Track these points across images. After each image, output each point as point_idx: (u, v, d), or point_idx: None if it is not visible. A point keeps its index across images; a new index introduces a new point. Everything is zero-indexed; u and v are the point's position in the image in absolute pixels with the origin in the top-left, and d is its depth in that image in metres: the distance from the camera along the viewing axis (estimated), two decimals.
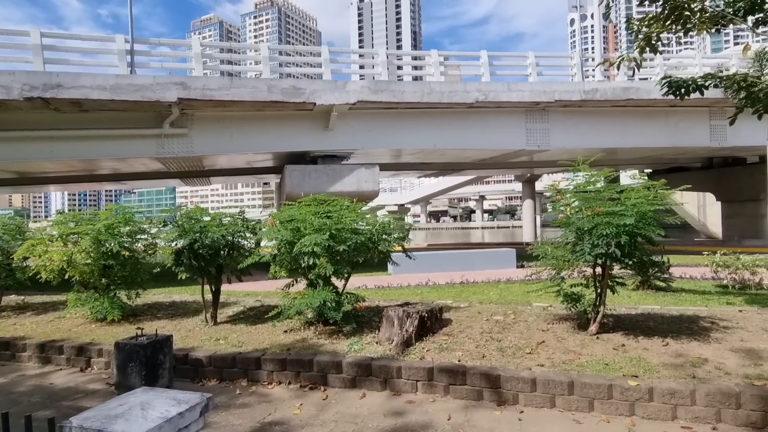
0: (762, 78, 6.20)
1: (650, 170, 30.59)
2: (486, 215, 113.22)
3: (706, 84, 6.40)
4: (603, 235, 4.89)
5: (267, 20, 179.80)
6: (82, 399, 5.03)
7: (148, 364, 5.02)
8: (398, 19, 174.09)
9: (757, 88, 6.11)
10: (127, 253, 7.49)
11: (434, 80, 14.44)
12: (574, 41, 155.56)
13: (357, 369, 5.02)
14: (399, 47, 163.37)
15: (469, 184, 41.70)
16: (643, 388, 4.18)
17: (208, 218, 6.96)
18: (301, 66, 15.35)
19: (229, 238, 6.79)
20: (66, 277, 7.45)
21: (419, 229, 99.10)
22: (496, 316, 6.58)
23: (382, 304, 8.04)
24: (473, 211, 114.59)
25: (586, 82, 15.45)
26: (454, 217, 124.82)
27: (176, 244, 6.81)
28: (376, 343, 5.75)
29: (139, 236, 7.77)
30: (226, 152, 13.69)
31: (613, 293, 5.87)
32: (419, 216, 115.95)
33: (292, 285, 6.65)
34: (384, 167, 19.28)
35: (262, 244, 6.90)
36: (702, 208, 39.52)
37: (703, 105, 17.04)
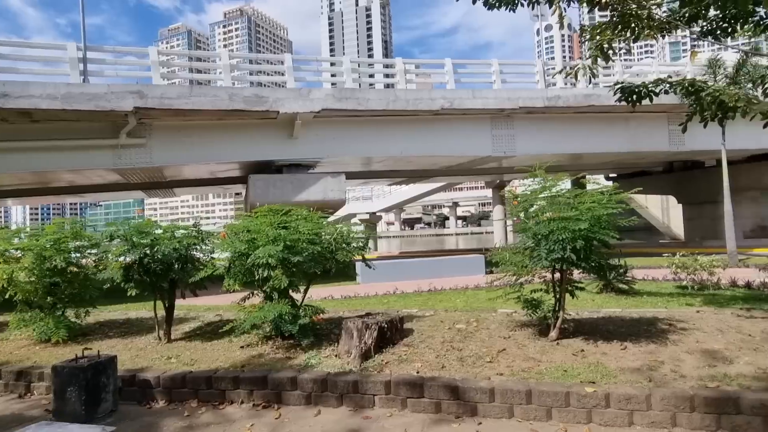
0: (709, 84, 6.34)
1: (614, 175, 31.38)
2: (460, 222, 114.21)
3: (657, 90, 6.52)
4: (559, 240, 4.86)
5: (237, 29, 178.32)
6: (17, 428, 4.67)
7: (89, 388, 4.72)
8: (369, 29, 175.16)
9: (704, 93, 6.25)
10: (74, 269, 7.11)
11: (400, 88, 14.43)
12: (540, 50, 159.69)
13: (313, 385, 4.83)
14: (370, 56, 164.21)
15: (441, 191, 41.94)
16: (600, 394, 4.13)
17: (159, 231, 6.66)
18: (270, 74, 15.09)
19: (183, 251, 6.51)
20: (8, 296, 7.01)
21: (393, 236, 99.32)
22: (459, 325, 6.49)
23: (346, 315, 7.87)
24: (447, 218, 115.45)
25: (549, 89, 15.72)
26: (429, 224, 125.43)
27: (125, 259, 6.49)
28: (335, 356, 5.57)
29: (89, 251, 7.39)
30: (187, 163, 13.32)
31: (573, 298, 5.86)
32: (393, 224, 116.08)
33: (248, 298, 6.42)
34: (352, 175, 19.15)
35: (216, 256, 6.65)
36: (665, 211, 40.78)
37: (661, 110, 17.55)
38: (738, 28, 6.36)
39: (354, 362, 5.17)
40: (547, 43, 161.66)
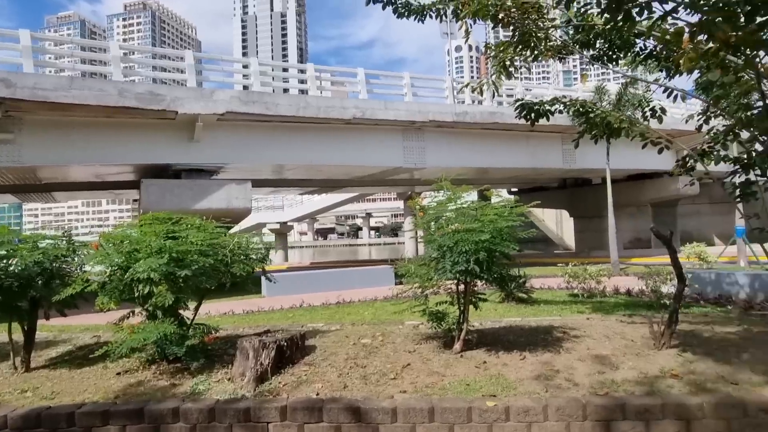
0: (597, 106, 6.80)
1: (516, 189, 33.48)
2: (373, 232, 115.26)
3: (552, 109, 6.86)
4: (463, 252, 4.84)
5: (139, 24, 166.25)
6: None
7: None
8: (284, 35, 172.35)
9: (593, 114, 6.68)
10: None
11: (312, 94, 14.09)
12: (450, 69, 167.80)
13: (198, 415, 4.30)
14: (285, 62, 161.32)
15: (353, 202, 41.93)
16: (500, 408, 4.10)
17: (17, 240, 5.68)
18: (170, 71, 13.93)
19: (47, 264, 5.60)
20: None
21: (306, 246, 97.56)
22: (364, 339, 6.26)
23: (246, 332, 7.32)
24: (360, 229, 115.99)
25: (458, 105, 16.30)
26: (342, 235, 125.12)
27: None
28: (228, 379, 5.06)
29: None
30: (67, 163, 11.83)
31: (476, 309, 5.90)
32: (306, 233, 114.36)
33: (128, 317, 5.67)
34: (260, 183, 18.37)
35: (88, 269, 5.80)
36: (560, 224, 44.33)
37: (556, 131, 19.00)
38: (621, 56, 6.93)
39: (248, 386, 4.71)
40: (457, 63, 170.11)
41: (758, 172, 6.06)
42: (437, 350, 5.68)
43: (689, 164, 6.79)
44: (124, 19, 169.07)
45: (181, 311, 5.49)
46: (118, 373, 5.42)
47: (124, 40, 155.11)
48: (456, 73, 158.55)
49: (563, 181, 28.69)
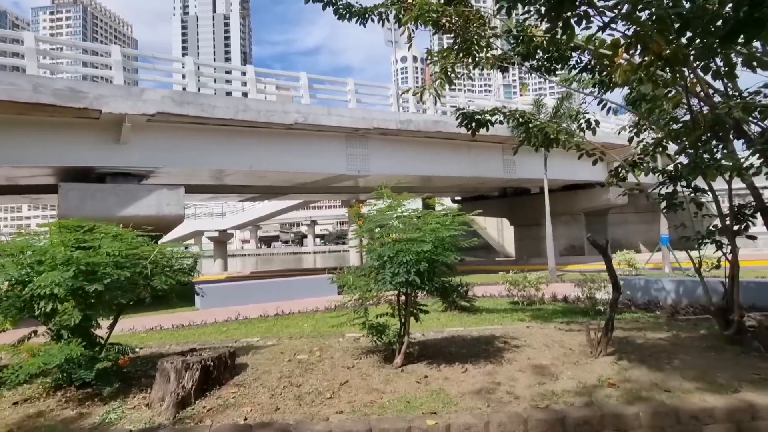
0: (535, 117, 6.89)
1: (459, 198, 34.15)
2: (318, 240, 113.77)
3: (493, 119, 6.88)
4: (403, 262, 4.64)
5: (68, 19, 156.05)
6: None
7: None
8: (227, 38, 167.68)
9: (532, 124, 6.76)
10: None
11: (252, 97, 13.55)
12: (396, 79, 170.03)
13: None
14: None
15: (297, 209, 41.09)
16: (441, 426, 3.91)
17: None
18: (98, 67, 12.90)
19: None
20: None
21: (249, 255, 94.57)
22: (301, 355, 5.91)
23: (173, 350, 6.74)
24: (305, 236, 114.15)
25: (402, 113, 16.30)
26: (286, 242, 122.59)
27: None
28: (146, 405, 4.55)
29: None
30: None
31: (417, 321, 5.72)
32: (249, 241, 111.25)
33: (31, 337, 5.01)
34: (198, 189, 17.49)
35: None
36: (501, 232, 45.69)
37: (497, 141, 19.50)
38: (559, 68, 7.09)
39: (167, 413, 4.24)
40: (402, 73, 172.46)
41: (684, 183, 6.35)
42: (377, 365, 5.44)
43: (621, 174, 7.01)
44: (51, 13, 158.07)
45: (93, 330, 4.91)
46: (15, 403, 4.75)
47: (51, 35, 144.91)
48: (401, 83, 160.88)
49: (504, 190, 29.56)
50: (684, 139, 5.29)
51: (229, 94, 15.05)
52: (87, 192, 11.23)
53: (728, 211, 5.65)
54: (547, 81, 8.56)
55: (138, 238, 5.35)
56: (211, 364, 4.83)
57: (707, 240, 5.86)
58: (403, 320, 5.38)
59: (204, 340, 7.63)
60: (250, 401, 4.52)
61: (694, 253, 6.07)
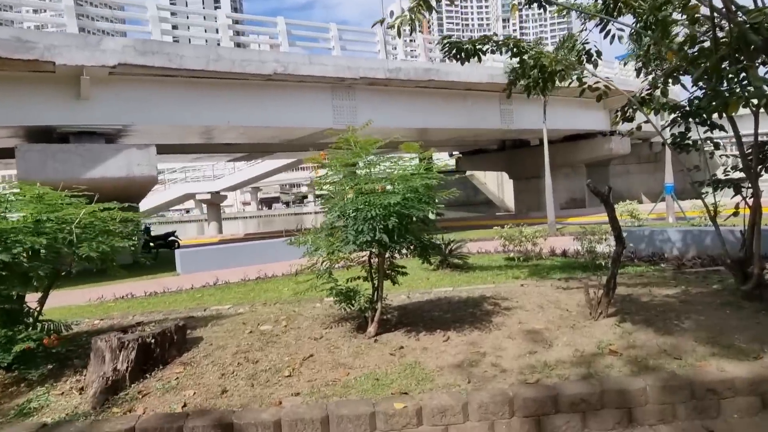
0: (531, 46, 5.98)
1: (457, 152, 33.14)
2: (319, 200, 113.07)
3: (484, 48, 5.98)
4: (369, 218, 3.91)
5: None
6: None
7: None
8: None
9: (527, 56, 5.88)
10: None
11: (225, 46, 12.46)
12: (383, 29, 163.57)
13: None
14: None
15: (292, 169, 40.14)
16: (411, 410, 3.31)
17: None
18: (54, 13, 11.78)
19: None
20: None
21: (250, 217, 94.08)
22: (265, 326, 5.29)
23: (133, 320, 6.16)
24: (305, 197, 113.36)
25: (390, 61, 15.18)
26: (287, 203, 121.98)
27: None
28: (79, 390, 3.96)
29: None
30: None
31: (394, 284, 5.05)
32: (250, 203, 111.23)
33: None
34: (177, 149, 16.62)
35: None
36: (501, 186, 44.81)
37: (494, 90, 18.34)
38: None
39: (93, 400, 3.65)
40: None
41: (698, 120, 5.53)
42: (348, 334, 4.82)
43: (628, 113, 6.18)
44: None
45: (10, 306, 4.25)
46: None
47: None
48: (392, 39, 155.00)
49: (502, 143, 28.50)
50: (703, 63, 4.43)
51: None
52: (47, 153, 10.40)
53: (751, 149, 4.86)
54: (548, 18, 7.56)
55: (69, 199, 4.63)
56: (154, 340, 4.20)
57: (724, 184, 5.11)
58: (376, 284, 4.72)
59: (170, 310, 7.04)
60: (195, 383, 3.92)
61: (709, 200, 5.32)
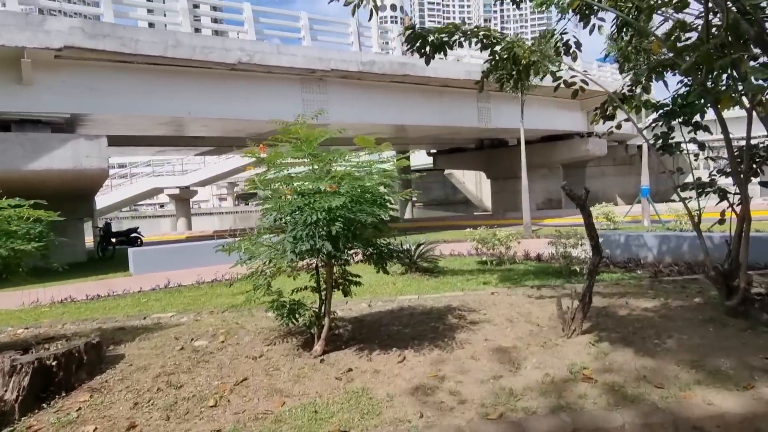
0: (504, 35, 5.49)
1: (434, 151, 32.72)
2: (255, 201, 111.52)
3: (451, 41, 5.45)
4: (309, 223, 3.34)
5: None
6: None
7: None
8: None
9: (500, 47, 5.38)
10: None
11: (185, 32, 11.68)
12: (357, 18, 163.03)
13: None
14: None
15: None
16: None
17: None
18: None
19: None
20: None
21: (225, 213, 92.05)
22: (200, 341, 4.68)
23: (61, 331, 5.48)
24: None
25: (364, 53, 14.59)
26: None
27: None
28: None
29: None
30: None
31: (346, 296, 4.49)
32: (226, 199, 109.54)
33: None
34: (137, 141, 15.71)
35: None
36: (479, 186, 44.74)
37: (472, 87, 17.94)
38: None
39: None
40: (381, 22, 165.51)
41: (681, 119, 5.13)
42: (293, 353, 4.25)
43: (609, 111, 5.75)
44: None
45: None
46: None
47: None
48: (378, 30, 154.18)
49: (481, 142, 28.17)
50: (691, 55, 3.99)
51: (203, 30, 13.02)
52: None
53: (739, 152, 4.46)
54: (528, 18, 7.09)
55: None
56: (55, 363, 3.56)
57: (709, 189, 4.70)
58: (323, 296, 4.15)
59: (106, 318, 6.35)
60: (99, 415, 3.30)
61: (692, 205, 4.92)
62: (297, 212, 3.35)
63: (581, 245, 8.37)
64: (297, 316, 4.06)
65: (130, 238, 17.13)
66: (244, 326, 5.12)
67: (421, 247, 9.22)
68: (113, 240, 16.63)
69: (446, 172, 49.71)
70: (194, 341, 4.65)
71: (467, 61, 17.13)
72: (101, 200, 23.08)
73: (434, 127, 18.75)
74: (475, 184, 46.08)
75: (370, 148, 3.96)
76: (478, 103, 18.73)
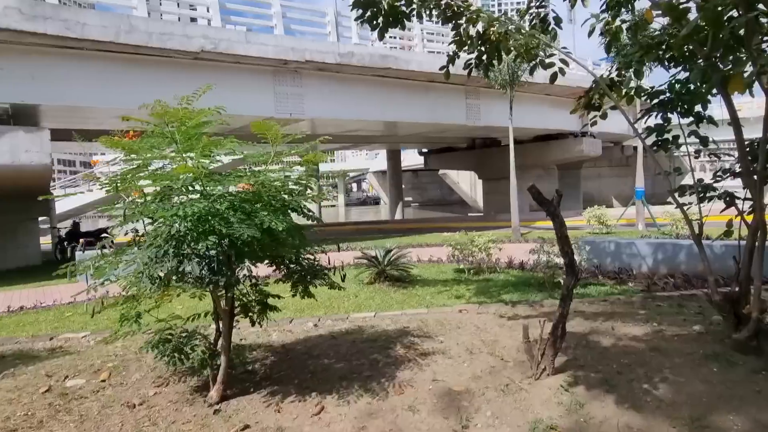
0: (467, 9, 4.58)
1: (426, 150, 31.81)
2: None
3: (408, 10, 4.57)
4: (172, 237, 2.43)
5: None
6: None
7: None
8: None
9: (464, 19, 4.48)
10: None
11: (140, 16, 10.74)
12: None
13: None
14: None
15: (239, 165, 37.96)
16: None
17: None
18: None
19: None
20: None
21: None
22: (76, 379, 3.76)
23: None
24: None
25: (342, 44, 13.66)
26: None
27: None
28: None
29: None
30: None
31: (254, 325, 3.57)
32: None
33: None
34: (94, 136, 14.72)
35: None
36: (473, 186, 43.83)
37: (459, 83, 17.06)
38: None
39: None
40: None
41: (680, 108, 4.26)
42: (185, 398, 3.34)
43: (594, 100, 4.86)
44: None
45: None
46: None
47: None
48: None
49: (473, 141, 27.30)
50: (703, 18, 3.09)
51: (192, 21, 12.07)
52: None
53: (756, 148, 3.57)
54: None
55: None
56: None
57: (713, 192, 3.82)
58: (220, 329, 3.24)
59: (7, 338, 5.42)
60: None
61: (694, 210, 4.04)
62: (160, 222, 2.44)
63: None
64: (185, 355, 3.13)
65: (100, 239, 16.18)
66: (141, 357, 4.20)
67: (392, 253, 8.32)
68: (81, 240, 15.68)
69: (441, 172, 48.89)
70: (69, 379, 3.72)
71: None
72: (76, 200, 22.05)
73: (420, 124, 17.87)
74: (469, 184, 45.19)
75: (268, 134, 3.06)
76: (466, 99, 17.86)
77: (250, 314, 3.40)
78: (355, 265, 8.31)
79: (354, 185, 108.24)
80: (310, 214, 3.11)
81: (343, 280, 3.74)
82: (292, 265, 3.35)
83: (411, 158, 49.67)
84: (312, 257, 3.47)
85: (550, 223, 3.20)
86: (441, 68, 5.28)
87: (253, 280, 3.44)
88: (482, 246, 8.47)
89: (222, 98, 11.99)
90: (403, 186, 59.82)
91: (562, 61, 4.42)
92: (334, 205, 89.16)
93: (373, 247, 9.66)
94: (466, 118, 17.97)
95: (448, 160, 30.99)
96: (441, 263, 10.02)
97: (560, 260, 7.35)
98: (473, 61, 5.24)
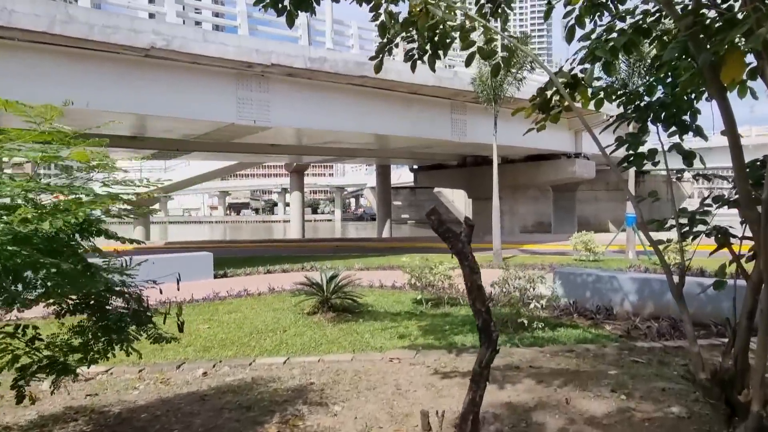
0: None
1: (416, 167, 30.86)
2: (288, 207, 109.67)
3: None
4: None
5: None
6: None
7: None
8: None
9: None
10: None
11: (81, 6, 9.81)
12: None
13: None
14: None
15: (230, 174, 37.21)
16: None
17: None
18: None
19: None
20: None
21: (215, 222, 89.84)
22: None
23: None
24: (276, 204, 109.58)
25: (313, 48, 12.76)
26: (257, 210, 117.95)
27: None
28: None
29: None
30: None
31: (20, 402, 2.48)
32: (217, 208, 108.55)
33: None
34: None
35: None
36: (467, 205, 42.77)
37: (445, 96, 16.19)
38: None
39: None
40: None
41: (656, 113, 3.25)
42: None
43: (552, 101, 3.81)
44: None
45: None
46: None
47: None
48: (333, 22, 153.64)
49: (463, 159, 26.32)
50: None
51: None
52: None
53: (759, 167, 2.53)
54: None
55: None
56: None
57: (701, 227, 2.75)
58: None
59: None
60: None
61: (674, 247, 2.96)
62: None
63: (543, 282, 6.44)
64: None
65: None
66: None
67: (338, 278, 7.23)
68: None
69: (436, 190, 48.01)
70: None
71: (438, 65, 15.33)
72: None
73: (403, 138, 16.90)
74: (464, 204, 44.19)
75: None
76: (452, 114, 16.93)
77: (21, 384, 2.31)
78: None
79: (353, 200, 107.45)
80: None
81: (180, 330, 2.67)
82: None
83: (408, 175, 48.91)
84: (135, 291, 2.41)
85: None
86: (371, 58, 4.25)
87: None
88: (443, 273, 7.39)
89: (176, 101, 10.86)
90: (400, 203, 58.90)
91: (507, 49, 3.40)
92: (330, 220, 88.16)
93: (327, 268, 8.58)
94: (452, 134, 17.01)
95: (438, 178, 30.02)
96: (403, 290, 8.89)
97: (539, 288, 6.36)
98: (416, 52, 4.24)
